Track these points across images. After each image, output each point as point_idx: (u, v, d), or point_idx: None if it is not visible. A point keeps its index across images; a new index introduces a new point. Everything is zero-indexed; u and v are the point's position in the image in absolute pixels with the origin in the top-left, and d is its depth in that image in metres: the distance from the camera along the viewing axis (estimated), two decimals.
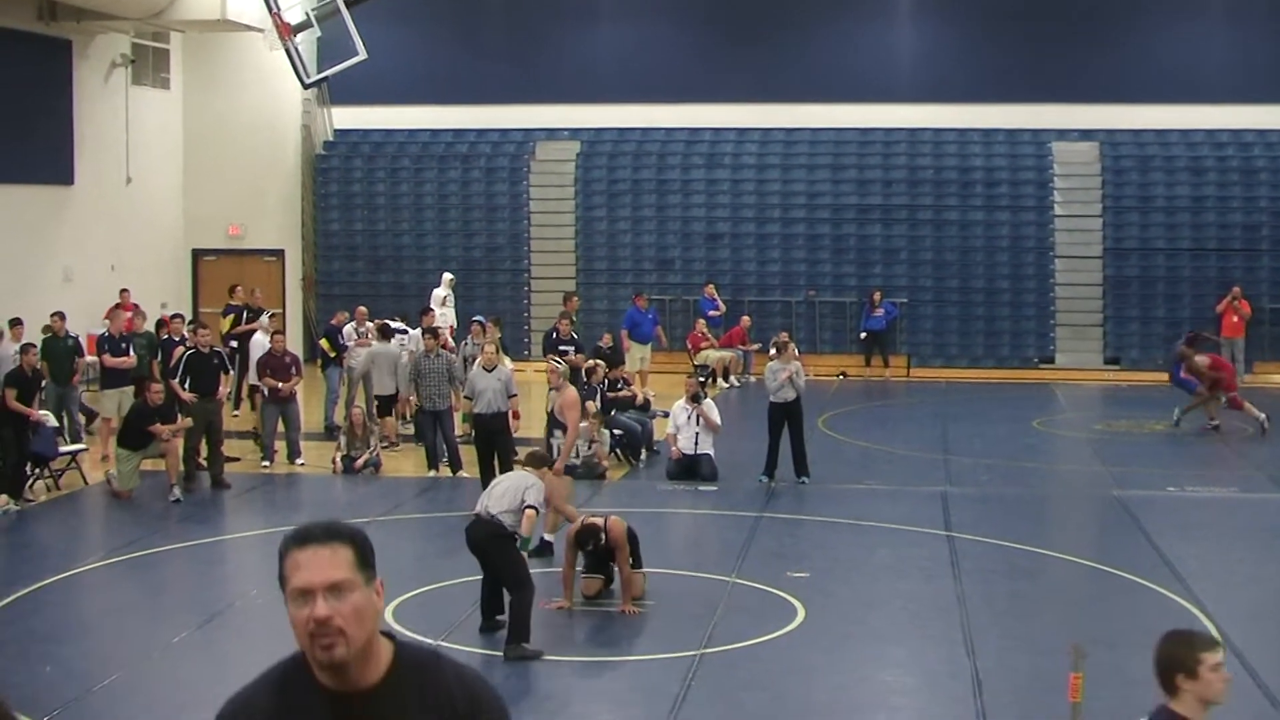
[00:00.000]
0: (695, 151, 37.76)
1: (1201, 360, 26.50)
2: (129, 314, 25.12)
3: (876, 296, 35.21)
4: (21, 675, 12.88)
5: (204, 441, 21.78)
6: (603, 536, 14.90)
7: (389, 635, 4.22)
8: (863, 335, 35.33)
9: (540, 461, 14.96)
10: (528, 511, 13.95)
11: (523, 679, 13.05)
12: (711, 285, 35.17)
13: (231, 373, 23.34)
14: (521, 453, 16.56)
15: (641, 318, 31.48)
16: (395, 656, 4.21)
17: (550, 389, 21.13)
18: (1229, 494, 21.31)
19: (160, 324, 26.68)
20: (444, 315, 29.71)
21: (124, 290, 28.83)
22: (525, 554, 14.18)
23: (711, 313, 34.35)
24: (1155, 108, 36.38)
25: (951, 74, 37.01)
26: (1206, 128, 36.61)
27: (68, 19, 31.50)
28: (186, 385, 21.68)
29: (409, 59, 37.83)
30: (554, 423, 19.83)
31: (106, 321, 25.36)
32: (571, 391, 19.71)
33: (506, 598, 13.69)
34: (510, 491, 14.00)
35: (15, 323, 24.19)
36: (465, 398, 20.66)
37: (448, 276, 32.72)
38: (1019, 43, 36.85)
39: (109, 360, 23.91)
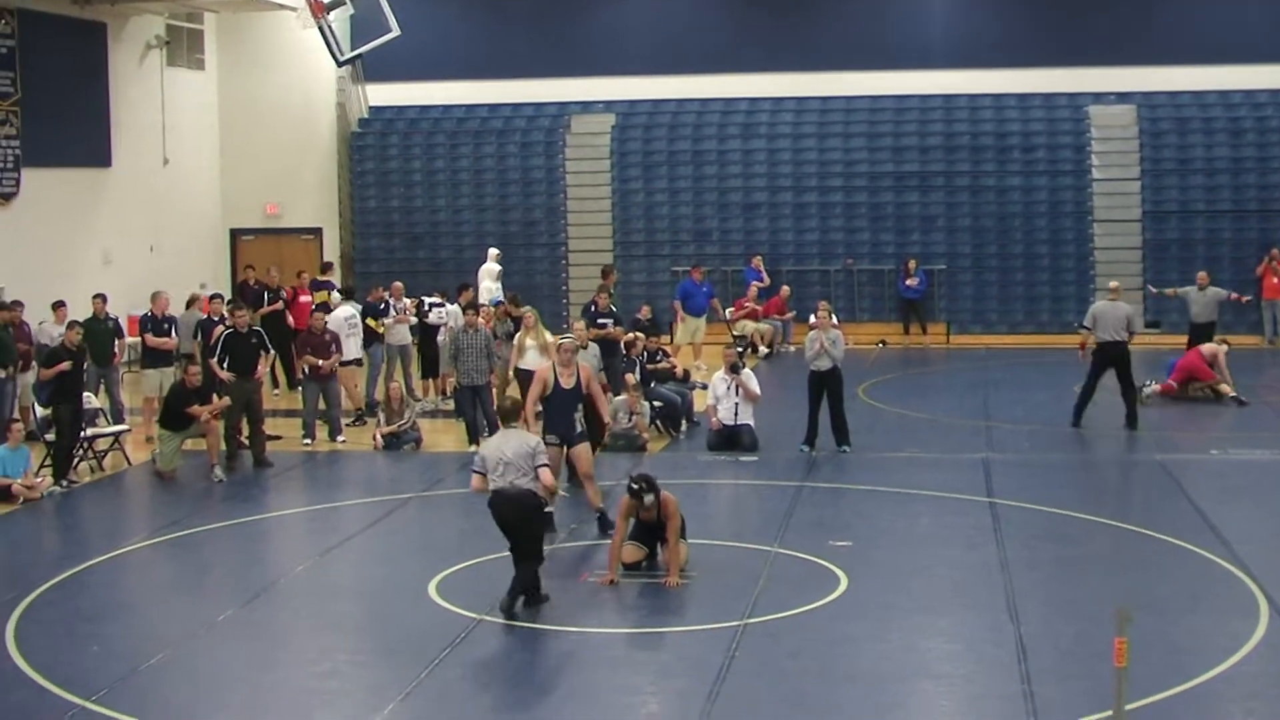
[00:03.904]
0: (731, 121, 37.66)
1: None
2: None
3: (911, 265, 35.10)
4: (69, 655, 12.98)
5: (244, 421, 21.86)
6: (657, 491, 15.00)
7: None
8: (907, 283, 35.00)
9: (514, 413, 14.80)
10: (543, 474, 14.01)
11: (566, 649, 13.09)
12: (759, 257, 35.11)
13: (272, 352, 23.36)
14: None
15: (695, 289, 31.39)
16: None
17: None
18: (1273, 456, 21.16)
19: (191, 302, 26.75)
20: (497, 289, 29.66)
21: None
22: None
23: (756, 283, 34.24)
24: (1193, 69, 36.10)
25: (987, 39, 36.81)
26: (1245, 88, 36.35)
27: (102, 2, 31.58)
28: (225, 365, 21.75)
29: (442, 35, 37.81)
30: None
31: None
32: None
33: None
34: (522, 458, 13.93)
35: (59, 305, 24.32)
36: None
37: (494, 251, 32.70)
38: (1054, 6, 36.64)
39: (151, 340, 23.99)
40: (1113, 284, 24.94)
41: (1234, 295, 29.27)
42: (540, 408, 17.27)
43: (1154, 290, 32.16)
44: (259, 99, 37.16)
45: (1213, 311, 28.26)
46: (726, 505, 19.68)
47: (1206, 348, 26.52)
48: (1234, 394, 25.65)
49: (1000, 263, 36.29)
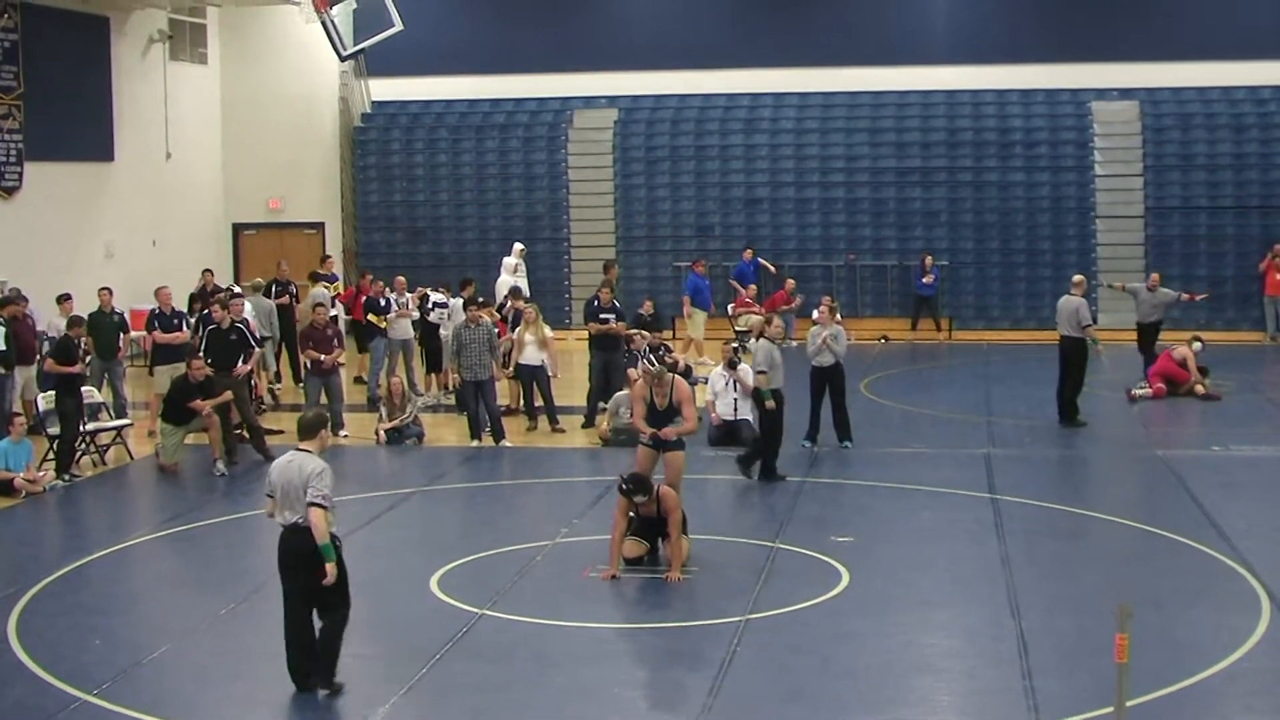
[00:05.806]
0: (733, 117, 37.67)
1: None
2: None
3: (928, 261, 35.06)
4: (71, 648, 13.00)
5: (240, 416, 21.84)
6: (654, 491, 15.01)
7: None
8: (924, 280, 34.93)
9: (313, 429, 12.51)
10: (313, 512, 11.73)
11: (568, 644, 13.07)
12: (750, 250, 35.10)
13: (256, 350, 23.10)
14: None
15: (703, 283, 31.45)
16: None
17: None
18: (1275, 452, 21.17)
19: (194, 298, 26.72)
20: (517, 283, 29.67)
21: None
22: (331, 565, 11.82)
23: (754, 285, 34.15)
24: (1196, 65, 36.09)
25: (989, 34, 36.80)
26: (1248, 84, 36.34)
27: None
28: (206, 361, 21.63)
29: (445, 29, 37.81)
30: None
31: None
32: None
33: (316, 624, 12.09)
34: (295, 490, 11.94)
35: (65, 298, 24.29)
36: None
37: (518, 246, 32.68)
38: (1057, 1, 36.63)
39: (159, 336, 23.81)
40: (1076, 278, 24.99)
41: (1186, 295, 29.09)
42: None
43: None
44: (262, 93, 37.17)
45: (1159, 312, 28.04)
46: (728, 500, 19.68)
47: (1178, 351, 26.56)
48: (1205, 391, 25.75)
49: (1003, 258, 36.30)
